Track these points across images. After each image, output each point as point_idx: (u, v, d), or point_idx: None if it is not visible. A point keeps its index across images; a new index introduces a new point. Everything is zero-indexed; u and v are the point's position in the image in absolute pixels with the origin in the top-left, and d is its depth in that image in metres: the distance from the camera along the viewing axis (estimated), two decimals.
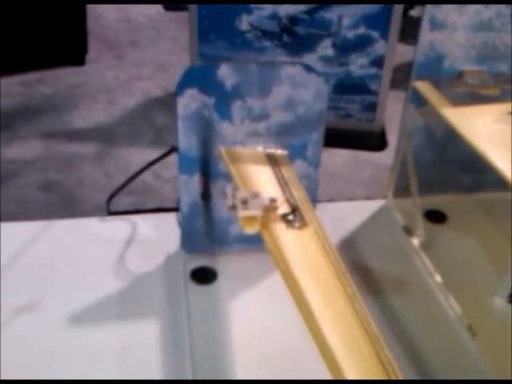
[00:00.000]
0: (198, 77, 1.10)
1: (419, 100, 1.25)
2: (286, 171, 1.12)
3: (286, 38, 2.14)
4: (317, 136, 1.17)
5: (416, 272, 1.23)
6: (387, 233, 1.32)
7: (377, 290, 1.19)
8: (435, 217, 1.33)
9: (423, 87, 1.21)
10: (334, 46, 2.16)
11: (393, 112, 2.14)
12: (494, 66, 1.24)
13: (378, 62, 2.17)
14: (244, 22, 2.12)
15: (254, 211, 0.93)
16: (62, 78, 2.64)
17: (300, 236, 0.93)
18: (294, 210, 0.96)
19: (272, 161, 1.14)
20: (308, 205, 1.00)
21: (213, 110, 1.12)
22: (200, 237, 1.23)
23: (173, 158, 1.20)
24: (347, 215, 1.34)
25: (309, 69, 1.12)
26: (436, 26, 1.18)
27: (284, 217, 0.95)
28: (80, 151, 2.14)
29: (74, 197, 1.88)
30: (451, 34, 1.19)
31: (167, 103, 2.41)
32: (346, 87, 2.21)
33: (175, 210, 1.32)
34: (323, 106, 1.15)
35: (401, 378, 0.71)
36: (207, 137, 1.14)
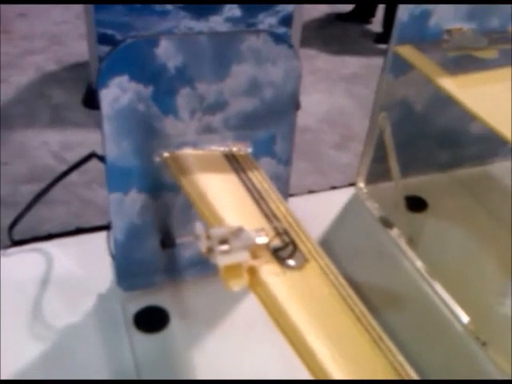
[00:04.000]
0: (129, 59, 0.78)
1: (399, 69, 1.00)
2: (256, 177, 0.84)
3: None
4: (288, 126, 0.90)
5: (405, 275, 1.01)
6: (363, 228, 1.09)
7: (365, 303, 0.97)
8: (414, 204, 1.12)
9: (407, 52, 0.97)
10: (241, 6, 1.97)
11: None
12: (484, 23, 1.02)
13: (287, 21, 2.03)
14: None
15: (240, 255, 0.66)
16: None
17: (302, 279, 0.67)
18: (288, 242, 0.69)
19: (235, 164, 0.86)
20: (300, 227, 0.74)
21: (151, 103, 0.81)
22: (141, 268, 0.93)
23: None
24: (312, 211, 1.09)
25: (277, 38, 0.84)
26: None
27: (276, 254, 0.69)
28: None
29: None
30: None
31: (63, 77, 2.28)
32: None
33: (101, 228, 1.01)
34: (296, 86, 0.87)
35: None
36: (145, 139, 0.83)
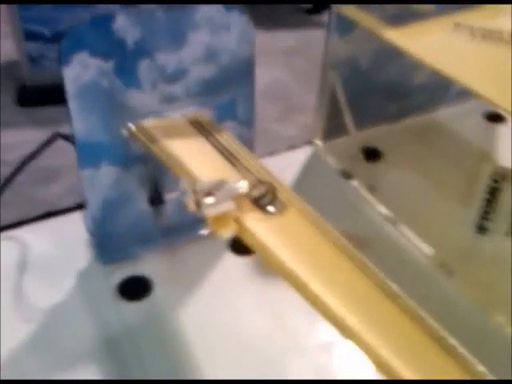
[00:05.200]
0: (88, 36, 0.80)
1: (343, 28, 1.05)
2: (224, 138, 0.88)
3: None
4: (247, 89, 0.94)
5: (368, 220, 1.07)
6: (324, 182, 1.14)
7: None
8: (371, 154, 1.18)
9: (351, 11, 1.02)
10: None
11: None
12: None
13: None
14: None
15: (226, 205, 0.69)
16: None
17: (286, 223, 0.72)
18: (267, 190, 0.74)
19: (200, 129, 0.90)
20: (274, 177, 0.79)
21: (114, 77, 0.83)
22: (118, 241, 0.96)
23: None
24: (273, 171, 1.14)
25: (227, 6, 0.87)
26: None
27: (256, 202, 0.73)
28: None
29: None
30: None
31: None
32: None
33: (70, 210, 1.03)
34: (251, 51, 0.91)
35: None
36: (111, 113, 0.86)
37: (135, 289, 0.94)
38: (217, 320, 0.90)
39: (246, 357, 0.86)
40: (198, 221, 1.02)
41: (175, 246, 0.99)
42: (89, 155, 0.87)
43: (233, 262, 0.99)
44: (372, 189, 1.10)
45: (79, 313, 0.91)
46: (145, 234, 0.97)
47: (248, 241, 0.70)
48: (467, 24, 0.97)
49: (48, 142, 0.94)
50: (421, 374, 0.56)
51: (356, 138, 1.12)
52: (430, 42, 0.95)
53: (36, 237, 1.00)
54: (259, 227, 0.70)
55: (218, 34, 0.87)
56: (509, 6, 1.04)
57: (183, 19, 0.84)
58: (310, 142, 1.19)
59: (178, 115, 0.90)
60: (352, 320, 0.60)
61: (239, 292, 0.95)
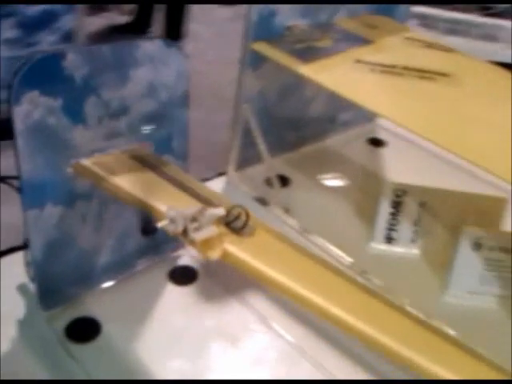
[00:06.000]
0: (39, 74, 0.79)
1: (255, 63, 1.13)
2: (170, 170, 0.91)
3: None
4: (182, 123, 0.97)
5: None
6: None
7: None
8: (281, 180, 1.26)
9: (262, 47, 1.10)
10: (20, 26, 1.91)
11: None
12: (315, 18, 1.19)
13: (69, 38, 2.00)
14: None
15: (210, 230, 0.73)
16: None
17: (261, 243, 0.77)
18: (239, 213, 0.78)
19: (145, 163, 0.91)
20: (229, 200, 0.83)
21: (61, 115, 0.83)
22: (60, 285, 0.93)
23: None
24: None
25: (168, 43, 0.91)
26: None
27: (230, 226, 0.77)
28: None
29: None
30: None
31: None
32: None
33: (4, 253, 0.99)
34: (186, 86, 0.95)
35: None
36: (57, 151, 0.84)
37: (83, 330, 0.92)
38: (171, 348, 0.92)
39: None
40: (135, 256, 1.04)
41: (117, 283, 0.98)
42: (34, 195, 0.84)
43: (174, 293, 1.01)
44: (287, 211, 1.18)
45: (28, 362, 0.87)
46: (85, 274, 0.95)
47: (230, 262, 0.74)
48: (366, 60, 1.10)
49: None
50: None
51: (264, 166, 1.20)
52: (338, 76, 1.06)
53: None
54: (238, 249, 0.74)
55: (158, 70, 0.90)
56: (397, 40, 1.20)
57: (127, 55, 0.87)
58: (223, 174, 1.24)
59: (119, 151, 0.91)
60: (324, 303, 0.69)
61: (185, 320, 0.97)
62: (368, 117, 1.48)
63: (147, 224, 0.91)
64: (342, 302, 0.68)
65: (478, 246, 1.02)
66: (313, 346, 0.93)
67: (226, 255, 0.73)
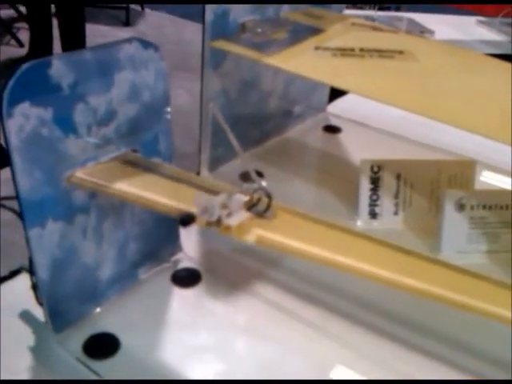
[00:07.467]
0: (27, 84, 0.76)
1: (215, 62, 1.13)
2: (165, 169, 0.89)
3: None
4: (165, 124, 0.96)
5: None
6: None
7: None
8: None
9: (222, 45, 1.10)
10: None
11: None
12: (264, 13, 1.21)
13: None
14: None
15: (241, 214, 0.73)
16: None
17: (286, 224, 0.77)
18: (259, 197, 0.77)
19: (139, 167, 0.89)
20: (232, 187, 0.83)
21: (53, 126, 0.79)
22: (69, 303, 0.88)
23: None
24: None
25: (145, 44, 0.89)
26: None
27: (251, 210, 0.76)
28: None
29: None
30: None
31: None
32: None
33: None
34: (166, 86, 0.94)
35: None
36: (53, 164, 0.81)
37: (102, 346, 0.88)
38: (192, 355, 0.89)
39: None
40: (136, 265, 1.01)
41: (123, 295, 0.95)
42: (34, 213, 0.80)
43: (181, 296, 0.98)
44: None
45: None
46: (91, 289, 0.91)
47: (268, 245, 0.73)
48: (325, 46, 1.13)
49: None
50: None
51: (238, 162, 1.20)
52: (305, 63, 1.08)
53: None
54: (272, 231, 0.74)
55: (138, 71, 0.89)
56: (345, 27, 1.24)
57: (109, 59, 0.85)
58: (197, 174, 1.23)
59: (109, 158, 0.89)
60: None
61: (199, 320, 0.95)
62: (319, 107, 1.52)
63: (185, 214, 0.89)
64: (385, 264, 0.70)
65: (461, 206, 1.07)
66: (334, 326, 0.93)
67: (260, 238, 0.73)
